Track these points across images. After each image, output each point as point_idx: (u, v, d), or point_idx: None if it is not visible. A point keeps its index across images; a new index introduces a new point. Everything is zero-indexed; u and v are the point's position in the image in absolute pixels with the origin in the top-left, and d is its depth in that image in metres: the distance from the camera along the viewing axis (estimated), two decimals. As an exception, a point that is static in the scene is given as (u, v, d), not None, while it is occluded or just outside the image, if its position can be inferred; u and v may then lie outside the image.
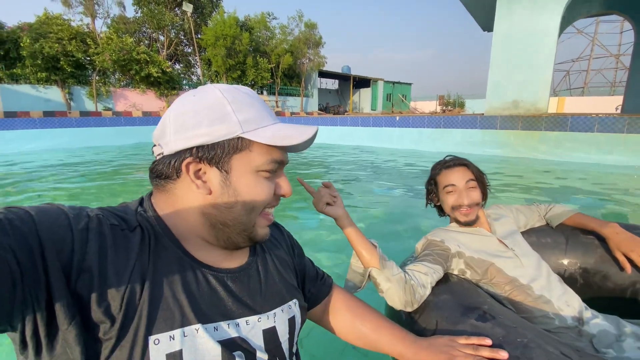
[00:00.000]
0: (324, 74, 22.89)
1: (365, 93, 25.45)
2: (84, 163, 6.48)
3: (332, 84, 26.67)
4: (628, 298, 1.13)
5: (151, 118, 11.30)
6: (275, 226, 0.77)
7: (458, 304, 0.87)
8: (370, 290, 0.96)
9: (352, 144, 9.55)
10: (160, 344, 0.43)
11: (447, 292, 0.94)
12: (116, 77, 15.22)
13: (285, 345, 0.58)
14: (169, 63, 15.58)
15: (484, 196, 1.16)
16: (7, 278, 0.33)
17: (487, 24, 9.14)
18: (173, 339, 0.44)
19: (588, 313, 1.03)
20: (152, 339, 0.43)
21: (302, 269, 0.76)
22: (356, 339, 0.78)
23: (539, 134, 6.53)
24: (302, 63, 19.74)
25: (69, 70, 12.84)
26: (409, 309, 0.92)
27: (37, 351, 0.38)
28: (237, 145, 0.51)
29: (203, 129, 0.49)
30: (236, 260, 0.59)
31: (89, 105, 13.69)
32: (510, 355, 0.66)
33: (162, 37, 18.43)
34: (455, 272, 1.10)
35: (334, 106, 22.94)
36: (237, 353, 0.50)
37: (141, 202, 0.55)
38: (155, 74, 14.03)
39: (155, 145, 0.54)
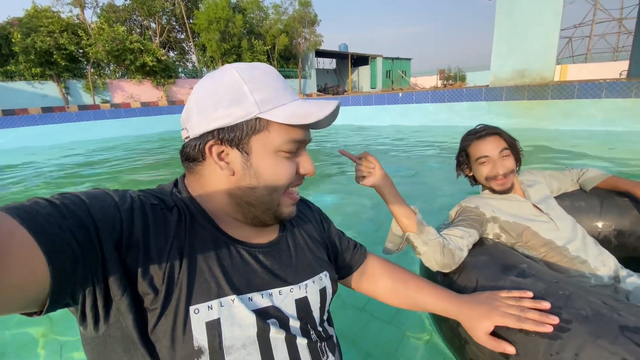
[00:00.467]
0: (321, 54, 22.36)
1: (364, 71, 24.93)
2: (96, 157, 6.49)
3: (329, 64, 26.13)
4: None
5: (151, 108, 11.17)
6: (304, 203, 0.79)
7: (497, 263, 0.89)
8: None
9: (354, 123, 9.45)
10: (200, 314, 0.47)
11: (485, 254, 0.96)
12: (111, 68, 14.94)
13: (316, 314, 0.61)
14: (163, 51, 15.20)
15: (518, 163, 1.16)
16: (70, 257, 0.35)
17: (489, -8, 8.83)
18: (211, 308, 0.47)
19: (623, 272, 1.05)
20: (192, 308, 0.46)
21: (332, 241, 0.78)
22: (399, 301, 0.81)
23: (546, 103, 6.44)
24: (298, 43, 19.25)
25: (63, 64, 12.60)
26: (446, 271, 0.95)
27: (96, 321, 0.42)
28: (255, 126, 0.51)
29: (221, 110, 0.50)
30: (267, 236, 0.61)
31: (87, 98, 13.51)
32: (553, 305, 0.68)
33: (153, 25, 17.92)
34: (490, 237, 1.11)
35: (332, 86, 22.55)
36: (270, 321, 0.53)
37: (175, 183, 0.59)
38: (150, 63, 13.74)
39: (183, 129, 0.56)
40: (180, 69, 17.52)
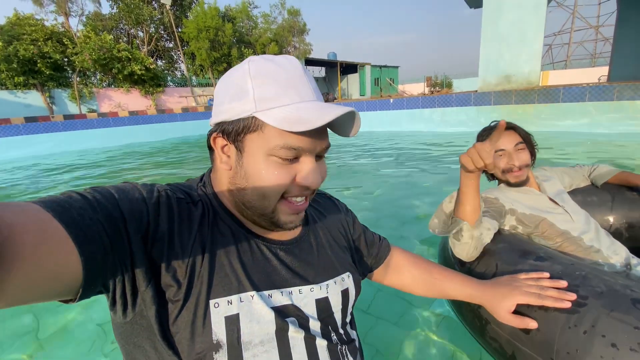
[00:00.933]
0: (310, 62, 22.57)
1: (353, 79, 25.26)
2: (83, 167, 6.32)
3: (319, 72, 26.37)
4: None
5: (140, 117, 10.98)
6: (329, 199, 0.78)
7: (516, 250, 0.94)
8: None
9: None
10: (220, 308, 0.47)
11: (504, 242, 1.01)
12: (97, 77, 14.71)
13: (337, 315, 0.60)
14: (152, 59, 15.07)
15: (533, 156, 1.19)
16: (100, 248, 0.37)
17: (474, 1, 9.12)
18: (231, 303, 0.48)
19: (634, 260, 1.09)
20: (212, 302, 0.47)
21: (358, 237, 0.79)
22: (426, 290, 0.83)
23: (533, 107, 6.65)
24: (287, 52, 19.42)
25: (47, 72, 12.30)
26: (468, 260, 1.00)
27: (124, 308, 0.44)
28: (250, 124, 0.48)
29: (225, 104, 0.50)
30: (288, 233, 0.60)
31: (72, 108, 13.22)
32: (570, 284, 0.72)
33: (141, 34, 17.80)
34: (507, 228, 1.14)
35: (322, 94, 22.52)
36: (290, 319, 0.52)
37: (202, 177, 0.59)
38: (138, 72, 13.58)
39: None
40: (169, 78, 17.37)
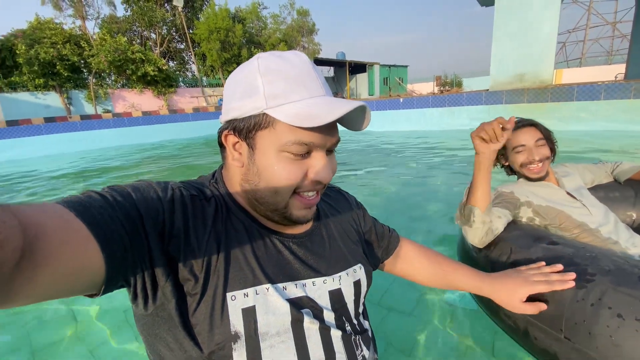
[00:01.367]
0: (319, 62, 22.59)
1: (362, 78, 25.17)
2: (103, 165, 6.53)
3: (327, 72, 26.37)
4: None
5: (153, 117, 11.23)
6: (339, 192, 0.79)
7: (529, 235, 0.98)
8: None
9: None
10: (236, 300, 0.49)
11: (518, 229, 1.05)
12: (112, 78, 15.08)
13: (350, 306, 0.61)
14: (164, 61, 15.37)
15: (553, 153, 1.21)
16: (120, 245, 0.38)
17: (485, -1, 9.03)
18: (247, 296, 0.49)
19: None
20: (229, 295, 0.48)
21: (368, 230, 0.80)
22: (435, 281, 0.85)
23: (546, 106, 6.55)
24: (297, 52, 19.51)
25: (65, 74, 12.73)
26: (480, 246, 1.04)
27: (145, 301, 0.45)
28: (261, 121, 0.49)
29: (235, 102, 0.50)
30: (300, 227, 0.61)
31: (88, 108, 13.59)
32: (580, 264, 0.76)
33: (153, 35, 18.16)
34: (524, 220, 1.16)
35: (331, 94, 22.69)
36: (304, 311, 0.54)
37: (213, 174, 0.60)
38: (151, 73, 13.88)
39: None
40: (180, 79, 17.68)
